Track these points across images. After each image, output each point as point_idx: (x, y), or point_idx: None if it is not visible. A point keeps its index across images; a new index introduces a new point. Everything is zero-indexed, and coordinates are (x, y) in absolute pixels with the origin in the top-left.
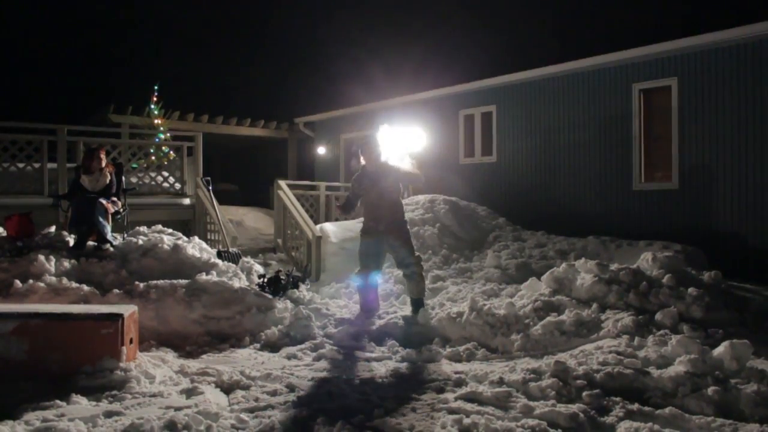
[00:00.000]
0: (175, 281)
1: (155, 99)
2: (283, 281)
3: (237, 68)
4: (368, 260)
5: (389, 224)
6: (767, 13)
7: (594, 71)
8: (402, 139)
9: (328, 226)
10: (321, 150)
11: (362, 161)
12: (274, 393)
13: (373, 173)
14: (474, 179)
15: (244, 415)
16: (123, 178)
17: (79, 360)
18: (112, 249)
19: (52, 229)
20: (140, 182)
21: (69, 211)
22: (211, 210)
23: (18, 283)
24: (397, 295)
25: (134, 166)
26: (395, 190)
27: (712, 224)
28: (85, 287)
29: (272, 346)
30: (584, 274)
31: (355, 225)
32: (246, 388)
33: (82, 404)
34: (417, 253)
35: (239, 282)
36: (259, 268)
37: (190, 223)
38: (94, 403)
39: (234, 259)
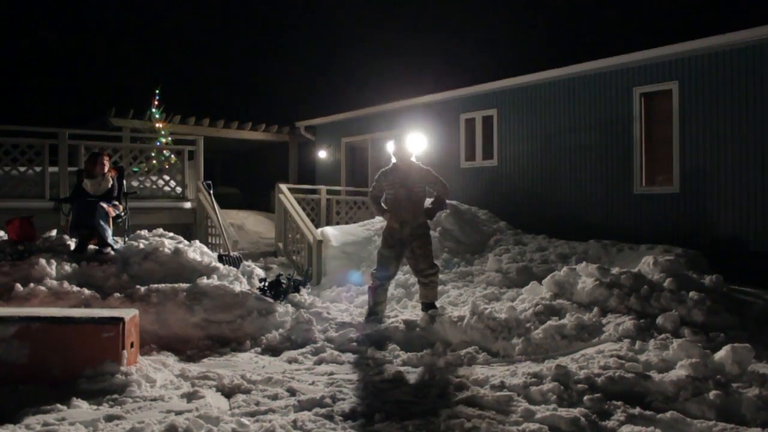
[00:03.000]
0: (176, 285)
1: (156, 103)
2: (284, 285)
3: (238, 72)
4: (389, 263)
5: (414, 229)
6: None
7: (595, 75)
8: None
9: (329, 230)
10: (322, 154)
11: (393, 158)
12: (275, 397)
13: (404, 170)
14: (475, 183)
15: (244, 419)
16: (124, 181)
17: (80, 364)
18: (113, 253)
19: (53, 232)
20: (141, 186)
21: (70, 215)
22: (212, 214)
23: (19, 286)
24: (398, 299)
25: (135, 169)
26: (422, 192)
27: (713, 228)
28: (86, 291)
29: (273, 350)
30: (585, 278)
31: (356, 229)
32: (247, 392)
33: (82, 408)
34: (436, 263)
35: (240, 286)
36: (260, 272)
37: (191, 226)
38: (94, 406)
39: (235, 262)
